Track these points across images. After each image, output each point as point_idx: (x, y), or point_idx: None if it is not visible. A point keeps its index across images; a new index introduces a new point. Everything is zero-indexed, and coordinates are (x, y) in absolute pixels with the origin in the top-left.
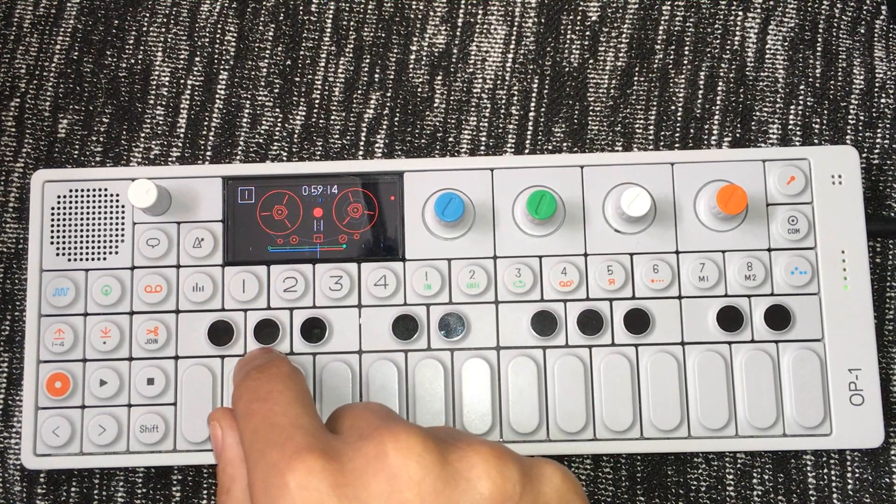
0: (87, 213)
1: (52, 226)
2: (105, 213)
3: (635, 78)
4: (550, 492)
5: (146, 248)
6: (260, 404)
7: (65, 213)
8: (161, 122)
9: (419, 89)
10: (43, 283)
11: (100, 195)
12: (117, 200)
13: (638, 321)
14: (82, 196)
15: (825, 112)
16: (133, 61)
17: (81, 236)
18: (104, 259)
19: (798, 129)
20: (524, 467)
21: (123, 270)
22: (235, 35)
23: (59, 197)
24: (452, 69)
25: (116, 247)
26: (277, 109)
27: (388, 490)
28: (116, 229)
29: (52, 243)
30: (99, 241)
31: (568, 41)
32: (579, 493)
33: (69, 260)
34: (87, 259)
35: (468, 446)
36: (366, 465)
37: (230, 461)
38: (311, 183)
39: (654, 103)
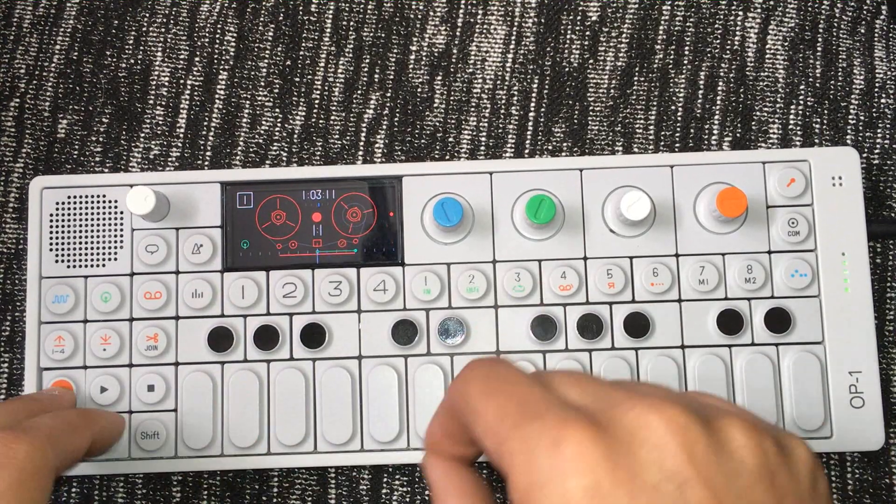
0: (86, 219)
1: (51, 232)
2: (104, 219)
3: (635, 78)
4: (803, 468)
5: (145, 255)
6: (499, 384)
7: (63, 220)
8: (161, 123)
9: (419, 89)
10: (42, 291)
11: (98, 202)
12: (116, 207)
13: (638, 325)
14: (81, 203)
15: (825, 112)
16: (133, 61)
17: (80, 243)
18: (103, 266)
19: (798, 129)
20: (777, 439)
21: (123, 277)
22: (235, 35)
23: (57, 203)
24: (452, 69)
25: (115, 253)
26: (277, 110)
27: (659, 458)
28: (115, 236)
29: (51, 250)
30: (98, 248)
31: (568, 41)
32: (822, 470)
33: (68, 267)
34: (86, 266)
35: (724, 416)
36: (630, 435)
37: (437, 496)
38: (310, 188)
39: (654, 103)
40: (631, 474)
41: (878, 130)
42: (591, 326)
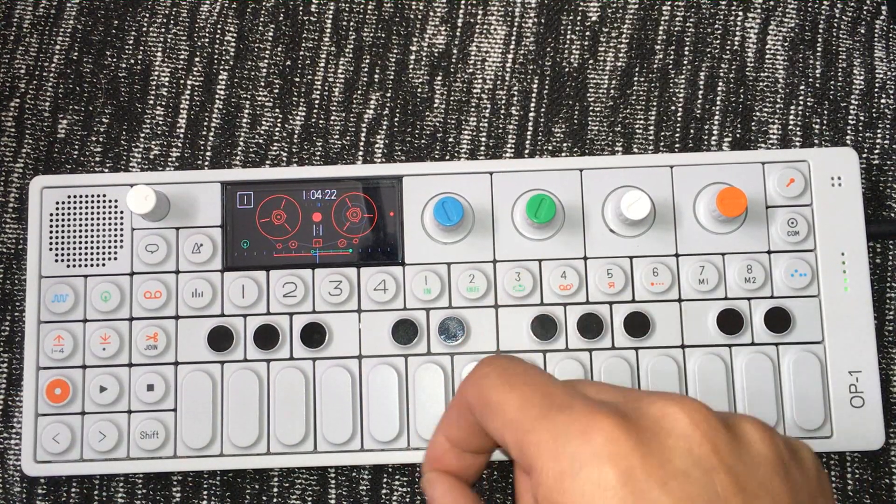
0: (86, 219)
1: (51, 232)
2: (104, 218)
3: (635, 78)
4: (811, 465)
5: (145, 254)
6: (520, 377)
7: (63, 220)
8: (161, 123)
9: (419, 89)
10: (42, 290)
11: (98, 201)
12: (116, 206)
13: (638, 324)
14: (81, 202)
15: (825, 112)
16: (133, 61)
17: (80, 242)
18: (103, 265)
19: (798, 129)
20: (785, 439)
21: (122, 276)
22: (235, 35)
23: (57, 203)
24: (452, 69)
25: (115, 253)
26: (277, 110)
27: (686, 446)
28: (115, 235)
29: (50, 249)
30: (98, 247)
31: (568, 41)
32: (825, 470)
33: (68, 266)
34: (86, 265)
35: (736, 415)
36: (657, 425)
37: None
38: (310, 187)
39: (654, 104)
40: (661, 461)
41: (878, 131)
42: (591, 326)
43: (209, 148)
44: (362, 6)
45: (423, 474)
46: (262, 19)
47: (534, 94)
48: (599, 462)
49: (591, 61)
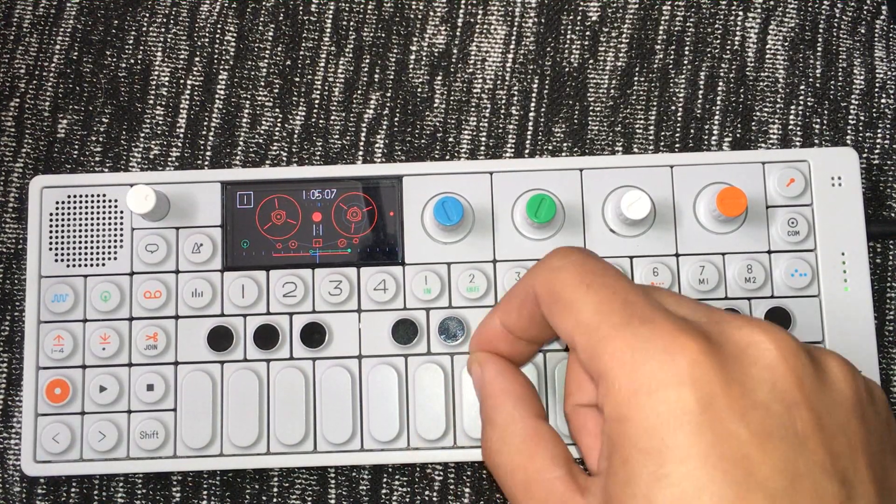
0: (86, 218)
1: (51, 232)
2: (104, 218)
3: (635, 78)
4: (883, 409)
5: (145, 254)
6: (599, 277)
7: (63, 219)
8: (161, 123)
9: (419, 89)
10: (42, 290)
11: (98, 201)
12: (116, 206)
13: None
14: (81, 202)
15: (825, 112)
16: (133, 61)
17: (80, 242)
18: (103, 265)
19: (798, 129)
20: (865, 379)
21: (122, 276)
22: (235, 35)
23: (57, 203)
24: (452, 69)
25: (115, 252)
26: (277, 109)
27: (771, 378)
28: (115, 235)
29: (50, 249)
30: (98, 247)
31: (568, 41)
32: (895, 422)
33: (68, 266)
34: (85, 265)
35: (823, 350)
36: (742, 352)
37: (491, 394)
38: (310, 187)
39: (654, 103)
40: (744, 390)
41: (878, 130)
42: None
43: (209, 148)
44: (362, 6)
45: (472, 353)
46: (262, 19)
47: (534, 94)
48: (680, 384)
49: (591, 61)
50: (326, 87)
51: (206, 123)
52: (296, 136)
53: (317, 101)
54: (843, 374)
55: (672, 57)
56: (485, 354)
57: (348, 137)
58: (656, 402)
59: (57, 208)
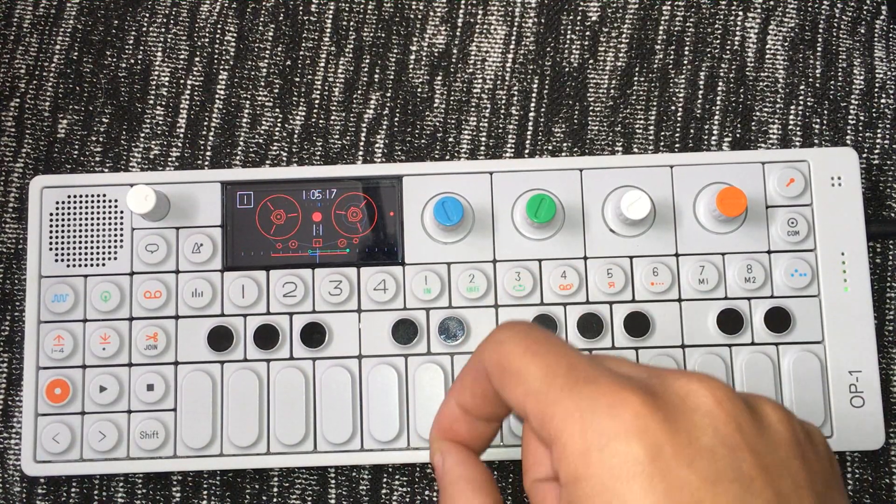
0: (86, 218)
1: (51, 232)
2: (104, 218)
3: (635, 78)
4: (823, 450)
5: (145, 254)
6: (542, 345)
7: (63, 219)
8: (161, 123)
9: (419, 89)
10: (42, 290)
11: (98, 201)
12: (116, 206)
13: (638, 324)
14: (81, 202)
15: (825, 112)
16: (133, 61)
17: (80, 242)
18: (103, 265)
19: (798, 129)
20: (800, 422)
21: (122, 276)
22: (235, 35)
23: (57, 203)
24: (452, 69)
25: (115, 252)
26: (277, 109)
27: (712, 424)
28: (115, 235)
29: (50, 249)
30: (98, 247)
31: (568, 41)
32: (837, 464)
33: (68, 266)
34: (86, 265)
35: (755, 396)
36: (682, 402)
37: (451, 482)
38: (310, 187)
39: (654, 103)
40: (689, 438)
41: (878, 130)
42: (591, 326)
43: (209, 148)
44: (362, 6)
45: (432, 443)
46: (262, 19)
47: (534, 94)
48: (627, 437)
49: (591, 61)
50: (326, 87)
51: (206, 123)
52: (296, 136)
53: (317, 101)
54: (779, 417)
55: (672, 57)
56: (446, 443)
57: (348, 137)
58: (607, 456)
59: (57, 208)
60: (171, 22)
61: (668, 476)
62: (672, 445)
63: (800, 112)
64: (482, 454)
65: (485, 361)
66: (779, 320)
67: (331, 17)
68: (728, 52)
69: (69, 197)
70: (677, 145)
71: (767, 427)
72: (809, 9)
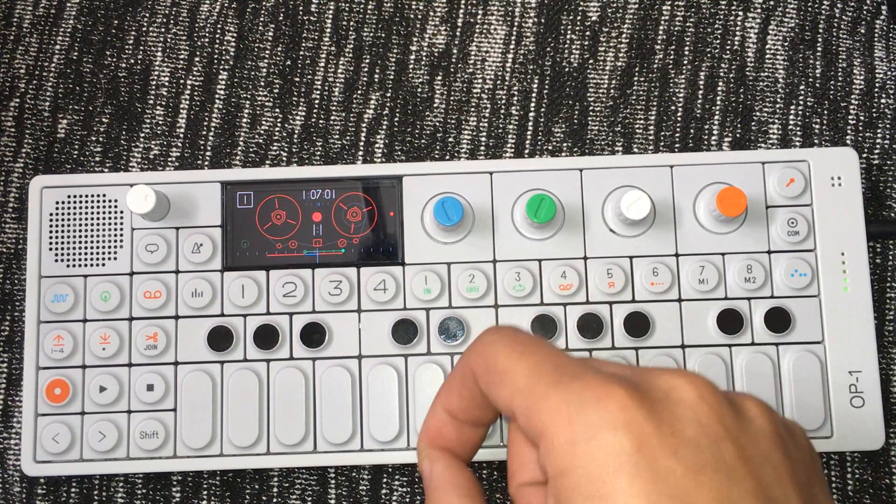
0: (86, 218)
1: (51, 232)
2: (104, 218)
3: (635, 78)
4: (804, 443)
5: (145, 254)
6: (528, 347)
7: (63, 219)
8: (161, 123)
9: (419, 89)
10: (42, 290)
11: (98, 201)
12: (116, 206)
13: (638, 324)
14: (81, 202)
15: (825, 112)
16: (133, 61)
17: (80, 242)
18: (103, 265)
19: (798, 129)
20: (781, 417)
21: (122, 276)
22: (235, 35)
23: (57, 203)
24: (452, 69)
25: (115, 252)
26: (277, 110)
27: (695, 416)
28: (115, 235)
29: (50, 249)
30: (98, 247)
31: (568, 41)
32: (819, 459)
33: (68, 266)
34: (85, 265)
35: (736, 393)
36: (666, 395)
37: (438, 488)
38: (310, 187)
39: (654, 103)
40: (673, 429)
41: (878, 130)
42: (591, 326)
43: (209, 148)
44: (362, 6)
45: (420, 451)
46: (262, 19)
47: (534, 94)
48: (614, 428)
49: (591, 61)
50: (326, 87)
51: (206, 123)
52: (296, 136)
53: (317, 101)
54: (760, 411)
55: (672, 57)
56: (434, 451)
57: (348, 137)
58: (594, 448)
59: (57, 208)
60: (171, 22)
61: (654, 466)
62: (657, 436)
63: (800, 112)
64: (470, 461)
65: (472, 364)
66: (779, 320)
67: (331, 17)
68: (728, 52)
69: (69, 197)
70: (677, 145)
71: (749, 420)
72: (809, 9)
